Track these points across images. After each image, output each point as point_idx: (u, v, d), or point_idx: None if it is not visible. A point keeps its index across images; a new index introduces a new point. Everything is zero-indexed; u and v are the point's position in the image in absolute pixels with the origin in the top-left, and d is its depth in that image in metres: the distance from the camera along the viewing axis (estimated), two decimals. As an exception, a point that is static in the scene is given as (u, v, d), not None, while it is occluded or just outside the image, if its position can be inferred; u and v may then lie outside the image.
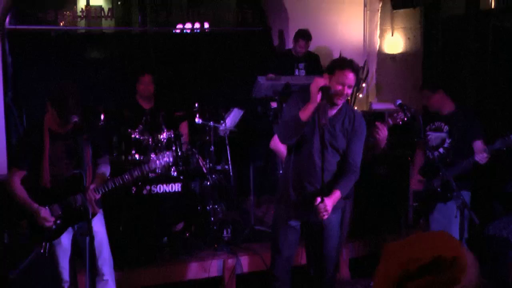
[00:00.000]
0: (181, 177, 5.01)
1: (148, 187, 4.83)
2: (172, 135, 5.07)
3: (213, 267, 4.78)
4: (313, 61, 6.55)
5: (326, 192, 3.43)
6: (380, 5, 7.33)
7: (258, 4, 7.54)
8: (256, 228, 5.48)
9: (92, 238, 3.24)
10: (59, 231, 3.63)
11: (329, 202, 3.41)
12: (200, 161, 5.41)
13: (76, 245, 3.77)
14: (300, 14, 6.96)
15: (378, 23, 7.36)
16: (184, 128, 5.61)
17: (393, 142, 4.46)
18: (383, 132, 3.73)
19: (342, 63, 3.46)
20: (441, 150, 4.42)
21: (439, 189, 4.27)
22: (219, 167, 5.68)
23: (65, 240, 3.71)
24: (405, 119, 3.84)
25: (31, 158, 3.62)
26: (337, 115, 3.56)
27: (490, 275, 4.45)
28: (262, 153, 6.42)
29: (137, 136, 5.00)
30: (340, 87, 3.40)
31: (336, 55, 6.47)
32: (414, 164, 4.70)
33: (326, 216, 3.42)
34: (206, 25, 7.62)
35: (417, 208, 4.47)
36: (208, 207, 5.26)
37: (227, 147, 5.66)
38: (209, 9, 7.50)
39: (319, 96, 3.32)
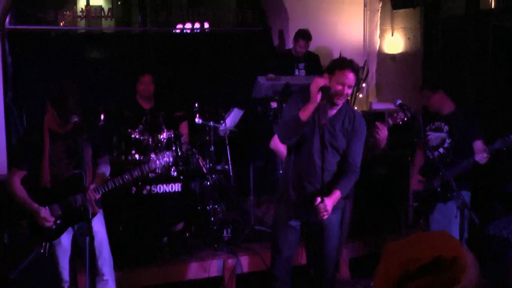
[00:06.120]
0: (181, 177, 5.01)
1: (148, 187, 4.83)
2: (172, 135, 5.07)
3: (213, 267, 4.78)
4: (313, 61, 6.55)
5: (326, 192, 3.43)
6: (380, 5, 7.33)
7: (258, 4, 7.54)
8: (256, 228, 5.48)
9: (92, 238, 3.23)
10: (59, 231, 3.63)
11: (329, 202, 3.41)
12: (200, 161, 5.41)
13: (76, 245, 3.77)
14: (300, 14, 6.96)
15: (378, 23, 7.36)
16: (184, 128, 5.61)
17: (393, 142, 4.46)
18: (383, 132, 3.73)
19: (342, 63, 3.46)
20: (441, 150, 4.42)
21: (439, 189, 4.26)
22: (219, 167, 5.68)
23: (65, 240, 3.71)
24: (405, 119, 3.84)
25: (31, 158, 3.62)
26: (337, 115, 3.56)
27: (490, 275, 4.45)
28: (262, 153, 6.42)
29: (137, 136, 5.00)
30: (340, 87, 3.40)
31: (336, 55, 6.47)
32: (414, 164, 4.70)
33: (326, 216, 3.42)
34: (206, 25, 7.62)
35: (417, 208, 4.47)
36: (208, 207, 5.26)
37: (227, 147, 5.66)
38: (209, 9, 7.50)
39: (319, 96, 3.32)
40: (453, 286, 1.31)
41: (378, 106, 6.74)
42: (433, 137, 4.46)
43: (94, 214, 3.57)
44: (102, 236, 3.79)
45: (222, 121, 5.53)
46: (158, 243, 4.87)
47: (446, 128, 4.41)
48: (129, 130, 5.04)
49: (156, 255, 4.78)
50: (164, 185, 4.90)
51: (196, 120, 5.47)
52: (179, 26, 7.64)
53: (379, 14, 7.36)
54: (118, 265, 4.08)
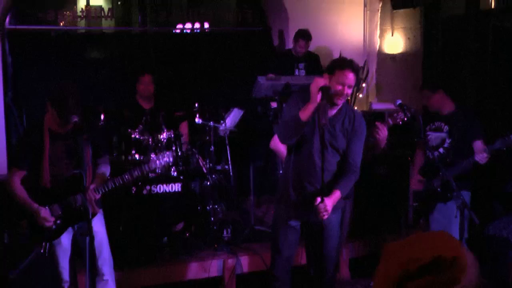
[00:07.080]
0: (181, 177, 5.01)
1: (148, 187, 4.83)
2: (172, 135, 5.07)
3: (213, 267, 4.78)
4: (313, 61, 6.55)
5: (326, 192, 3.43)
6: (380, 5, 7.33)
7: (258, 4, 7.54)
8: (256, 228, 5.48)
9: (92, 238, 3.23)
10: (59, 231, 3.63)
11: (329, 202, 3.41)
12: (200, 161, 5.41)
13: (76, 245, 3.77)
14: (300, 14, 6.96)
15: (378, 23, 7.36)
16: (184, 128, 5.61)
17: (393, 142, 4.46)
18: (383, 132, 3.73)
19: (342, 63, 3.46)
20: (441, 150, 4.42)
21: (439, 189, 4.26)
22: (219, 167, 5.68)
23: (65, 240, 3.71)
24: (405, 119, 3.84)
25: (31, 158, 3.62)
26: (337, 115, 3.56)
27: (490, 275, 4.45)
28: (262, 153, 6.42)
29: (137, 136, 5.00)
30: (340, 87, 3.40)
31: (336, 55, 6.47)
32: (414, 164, 4.70)
33: (326, 216, 3.42)
34: (206, 25, 7.62)
35: (417, 208, 4.47)
36: (208, 207, 5.26)
37: (227, 147, 5.66)
38: (209, 9, 7.50)
39: (319, 96, 3.32)
40: (453, 286, 1.31)
41: (378, 106, 6.74)
42: (433, 137, 4.46)
43: (94, 214, 3.57)
44: (102, 236, 3.79)
45: (222, 121, 5.53)
46: (158, 243, 4.87)
47: (446, 128, 4.41)
48: (129, 130, 5.04)
49: (156, 255, 4.78)
50: (164, 185, 4.90)
51: (196, 120, 5.47)
52: (179, 26, 7.64)
53: (379, 14, 7.36)
54: (118, 265, 4.08)
